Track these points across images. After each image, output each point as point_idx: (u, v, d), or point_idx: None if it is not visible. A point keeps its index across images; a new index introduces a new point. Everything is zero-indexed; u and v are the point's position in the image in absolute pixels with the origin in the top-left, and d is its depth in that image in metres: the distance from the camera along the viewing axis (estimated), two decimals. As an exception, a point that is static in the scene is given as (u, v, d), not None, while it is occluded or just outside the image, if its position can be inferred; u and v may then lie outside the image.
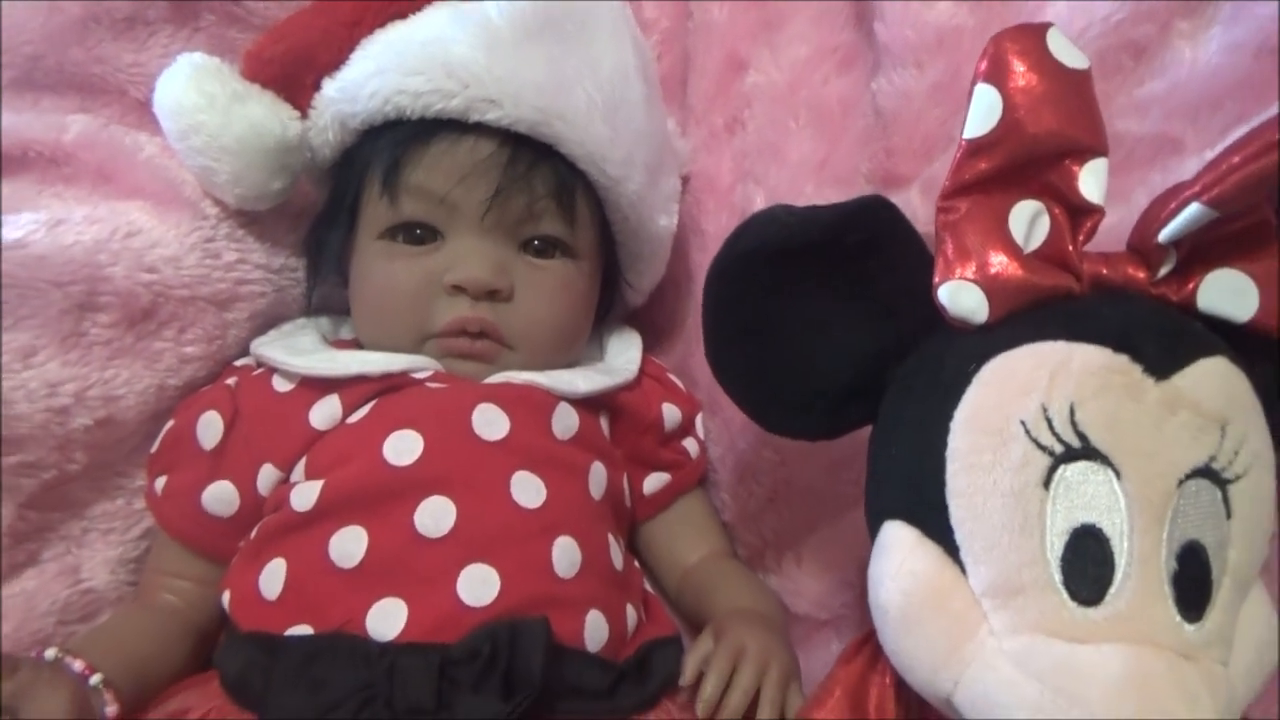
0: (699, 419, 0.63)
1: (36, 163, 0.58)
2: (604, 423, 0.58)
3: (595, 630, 0.49)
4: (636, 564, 0.59)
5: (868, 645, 0.42)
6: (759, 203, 0.61)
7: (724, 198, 0.64)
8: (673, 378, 0.63)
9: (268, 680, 0.46)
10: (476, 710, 0.43)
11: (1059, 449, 0.34)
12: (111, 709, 0.45)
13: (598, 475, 0.54)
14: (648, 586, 0.59)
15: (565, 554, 0.50)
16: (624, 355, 0.61)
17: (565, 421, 0.54)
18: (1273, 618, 0.37)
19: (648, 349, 0.64)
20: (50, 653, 0.46)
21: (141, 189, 0.57)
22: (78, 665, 0.46)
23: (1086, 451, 0.34)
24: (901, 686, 0.40)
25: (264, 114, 0.54)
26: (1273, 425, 0.37)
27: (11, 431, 0.50)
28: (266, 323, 0.59)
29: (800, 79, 0.61)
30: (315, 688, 0.44)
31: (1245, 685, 0.35)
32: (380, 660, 0.45)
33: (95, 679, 0.46)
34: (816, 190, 0.59)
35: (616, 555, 0.54)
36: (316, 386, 0.53)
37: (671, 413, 0.61)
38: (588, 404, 0.56)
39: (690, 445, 0.62)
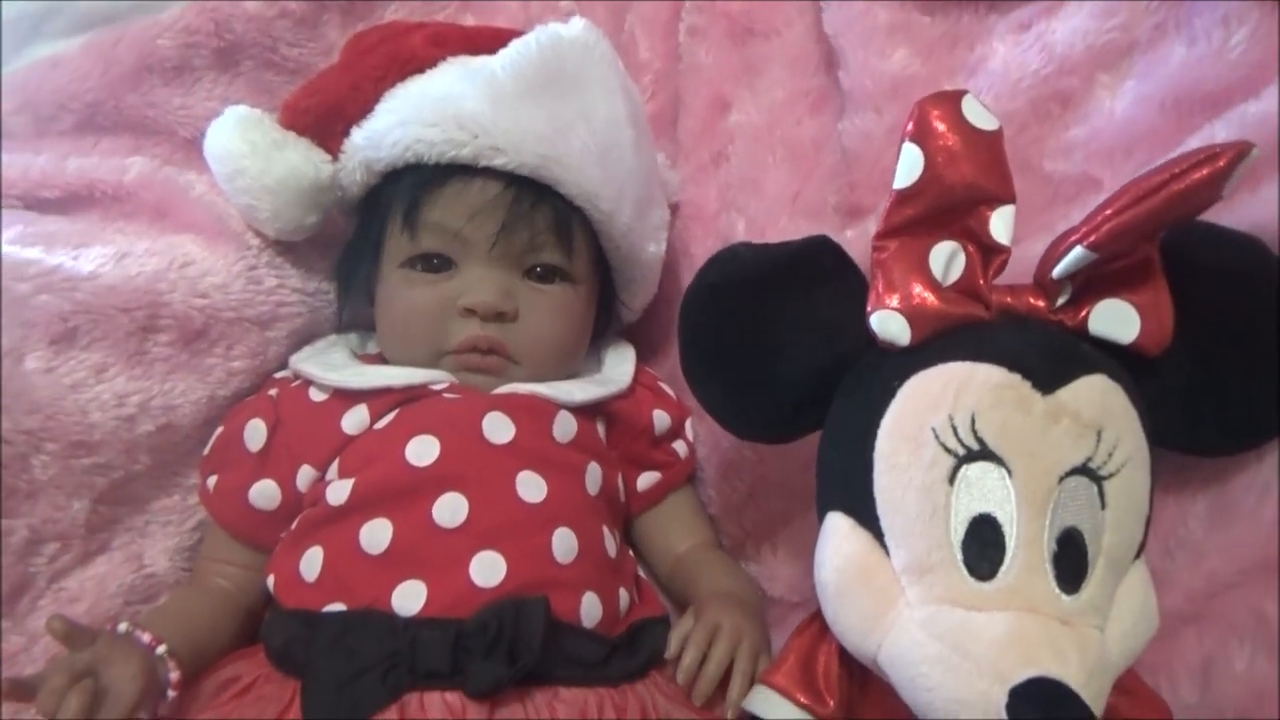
0: (688, 423, 0.69)
1: (101, 201, 0.66)
2: (600, 427, 0.65)
3: (590, 609, 0.56)
4: (631, 553, 0.66)
5: (817, 620, 0.49)
6: (740, 230, 0.67)
7: (710, 224, 0.71)
8: (664, 386, 0.70)
9: (308, 650, 0.52)
10: (486, 674, 0.50)
11: (962, 451, 0.41)
12: (175, 675, 0.51)
13: (594, 474, 0.61)
14: (641, 573, 0.66)
15: (563, 542, 0.56)
16: (619, 367, 0.68)
17: (565, 427, 0.61)
18: (1150, 594, 0.43)
19: (642, 360, 0.70)
20: (122, 626, 0.52)
21: (193, 223, 0.64)
22: (146, 637, 0.52)
23: (984, 453, 0.41)
24: (845, 653, 0.47)
25: (300, 159, 0.62)
26: (1148, 430, 0.43)
27: (87, 437, 0.58)
28: (303, 339, 0.66)
29: (777, 119, 0.68)
30: (349, 655, 0.51)
31: (1121, 647, 0.41)
32: (404, 633, 0.52)
33: (161, 649, 0.51)
34: (790, 221, 0.66)
35: (610, 544, 0.60)
36: (347, 397, 0.60)
37: (662, 418, 0.67)
38: (586, 411, 0.63)
39: (679, 447, 0.68)
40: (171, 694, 0.52)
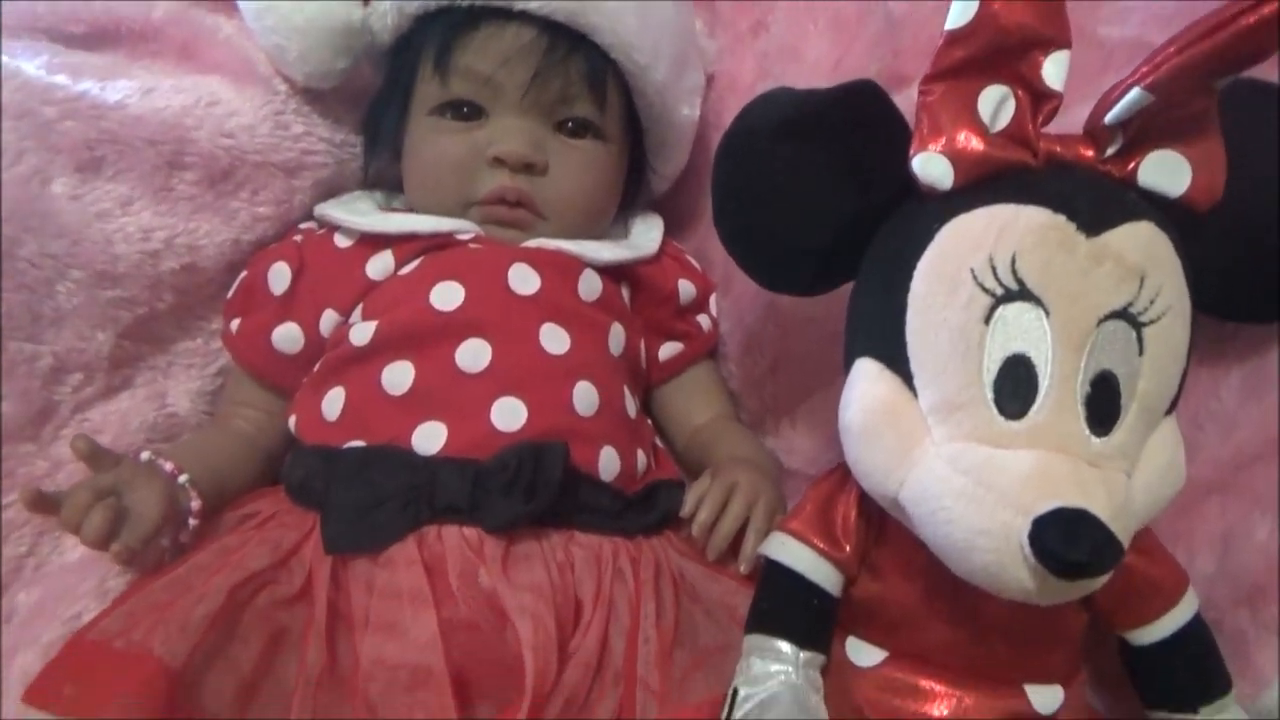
0: (713, 298, 0.69)
1: (127, 38, 0.64)
2: (625, 292, 0.64)
3: (608, 463, 0.56)
4: (650, 422, 0.66)
5: (838, 471, 0.49)
6: (777, 99, 0.66)
7: (745, 96, 0.67)
8: (690, 258, 0.69)
9: (327, 483, 0.53)
10: (504, 509, 0.51)
11: (1000, 291, 0.40)
12: (196, 504, 0.52)
13: (617, 335, 0.61)
14: (658, 442, 0.66)
15: (585, 395, 0.56)
16: (647, 235, 0.67)
17: (590, 285, 0.61)
18: (1179, 449, 0.43)
19: (670, 234, 0.69)
20: (145, 454, 0.53)
21: (220, 65, 0.63)
22: (168, 466, 0.52)
23: (1023, 294, 0.40)
24: (863, 499, 0.47)
25: (331, -2, 0.61)
26: (1191, 285, 0.42)
27: (112, 268, 0.57)
28: (328, 192, 0.66)
29: (822, -14, 0.66)
30: (369, 486, 0.51)
31: (1145, 497, 0.41)
32: (424, 469, 0.52)
33: (183, 478, 0.52)
34: None
35: (630, 405, 0.60)
36: (372, 243, 0.60)
37: (687, 288, 0.67)
38: (611, 273, 0.63)
39: (703, 320, 0.68)
40: (192, 523, 0.53)
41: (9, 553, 0.55)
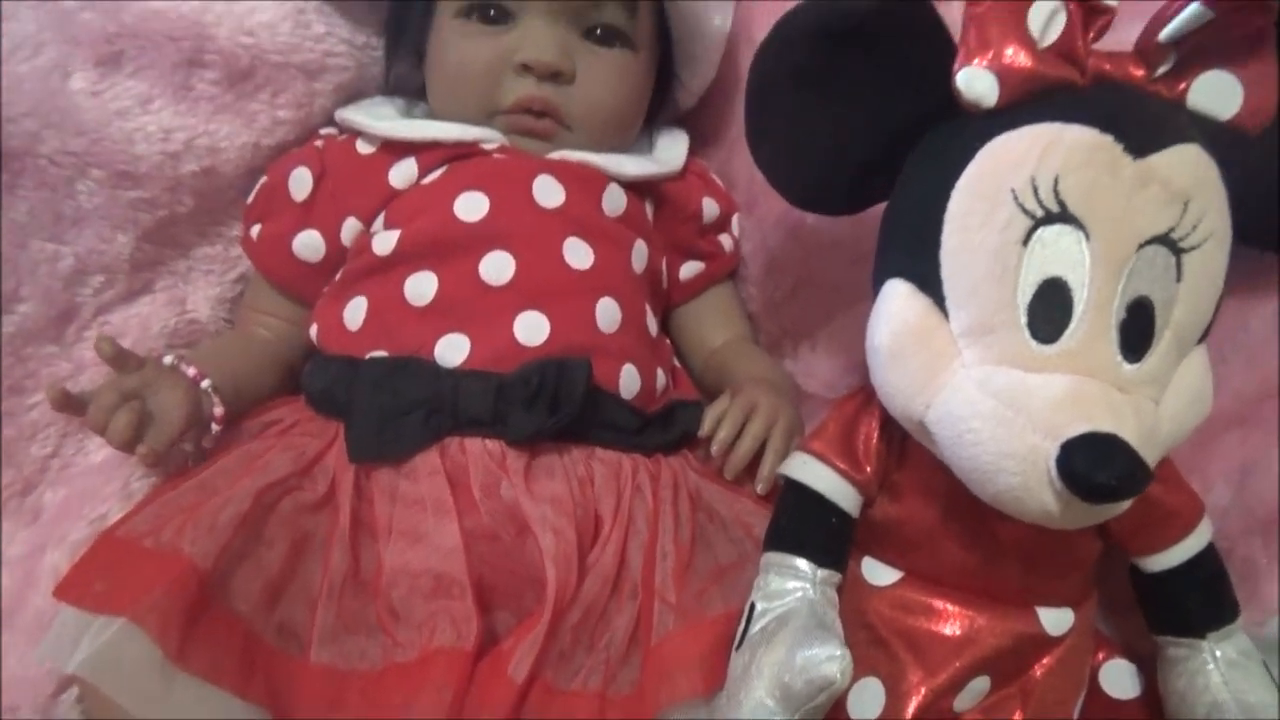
0: (735, 218, 0.68)
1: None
2: (649, 208, 0.64)
3: (629, 380, 0.56)
4: (668, 341, 0.66)
5: (861, 392, 0.49)
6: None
7: (779, 6, 0.67)
8: (714, 177, 0.68)
9: (350, 392, 0.53)
10: (526, 422, 0.51)
11: (1040, 213, 0.40)
12: (219, 409, 0.53)
13: (640, 252, 0.60)
14: (676, 362, 0.66)
15: (607, 312, 0.56)
16: (672, 150, 0.66)
17: (614, 200, 0.60)
18: (1207, 378, 0.43)
19: (695, 152, 0.68)
20: (168, 359, 0.53)
21: (240, -42, 0.62)
22: (191, 371, 0.53)
23: (1063, 216, 0.39)
24: (886, 422, 0.47)
25: (356, -109, 0.59)
26: (1234, 212, 0.42)
27: (132, 168, 0.57)
28: (349, 96, 0.64)
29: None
30: (393, 395, 0.52)
31: (1172, 425, 0.41)
32: (447, 380, 0.52)
33: (206, 383, 0.53)
34: None
35: (651, 324, 0.60)
36: (395, 150, 0.59)
37: (710, 206, 0.66)
38: (636, 189, 0.62)
39: (725, 240, 0.67)
40: (215, 428, 0.53)
41: (35, 453, 0.56)
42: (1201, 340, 0.43)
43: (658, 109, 0.68)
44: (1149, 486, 0.40)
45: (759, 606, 0.45)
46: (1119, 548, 0.49)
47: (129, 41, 0.56)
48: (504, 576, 0.49)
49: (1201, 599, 0.48)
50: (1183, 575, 0.48)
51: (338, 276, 0.59)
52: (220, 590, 0.45)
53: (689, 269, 0.67)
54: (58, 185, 0.55)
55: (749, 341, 0.68)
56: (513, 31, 0.58)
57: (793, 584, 0.46)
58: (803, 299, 0.66)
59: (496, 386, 0.52)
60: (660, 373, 0.60)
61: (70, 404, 0.49)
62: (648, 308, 0.60)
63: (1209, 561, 0.48)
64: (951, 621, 0.46)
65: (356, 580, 0.49)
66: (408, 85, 0.67)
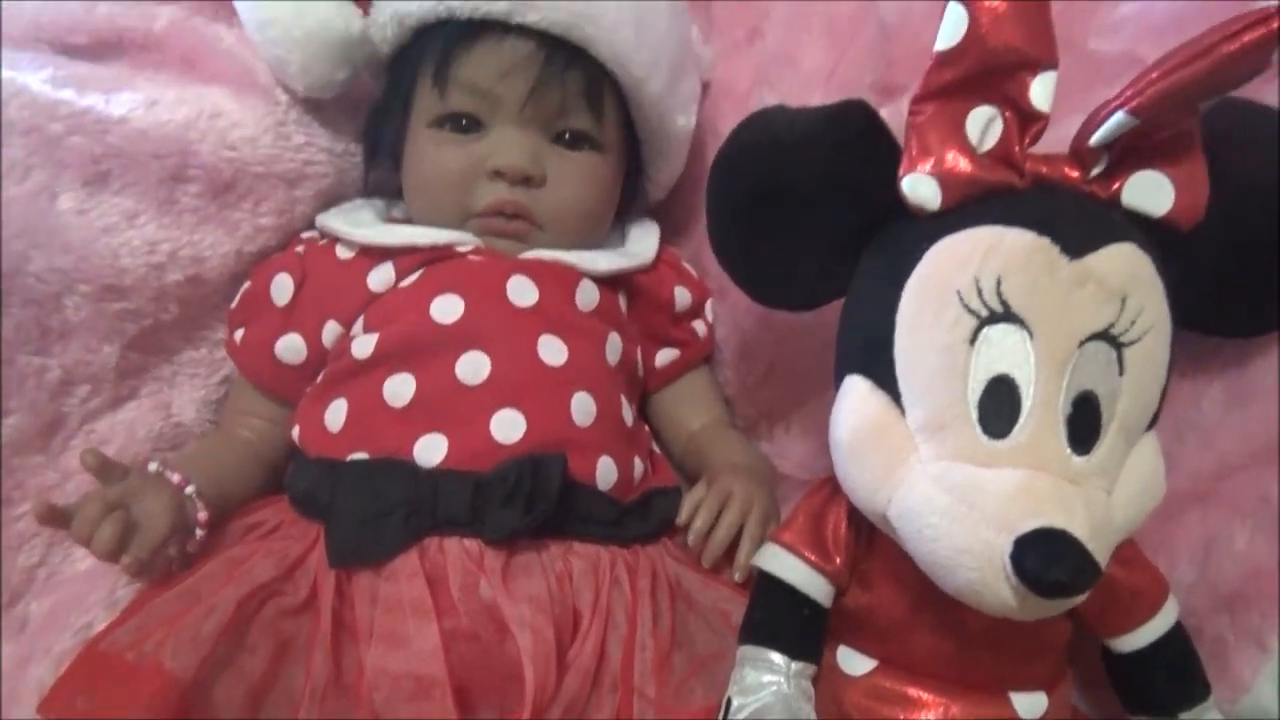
0: (708, 304, 0.70)
1: (130, 49, 0.64)
2: (622, 300, 0.65)
3: (605, 472, 0.57)
4: (647, 428, 0.67)
5: (829, 483, 0.50)
6: (773, 107, 0.67)
7: (741, 103, 0.70)
8: (686, 265, 0.70)
9: (331, 495, 0.54)
10: (503, 521, 0.52)
11: (985, 313, 0.41)
12: (203, 514, 0.53)
13: (614, 344, 0.62)
14: (655, 448, 0.67)
15: (582, 406, 0.57)
16: (643, 242, 0.68)
17: (587, 295, 0.62)
18: (1159, 464, 0.44)
19: (667, 240, 0.70)
20: (153, 465, 0.54)
21: (222, 75, 0.64)
22: (175, 477, 0.53)
23: (1007, 316, 0.41)
24: (853, 515, 0.48)
25: (331, 11, 0.61)
26: (1172, 304, 0.43)
27: (118, 281, 0.58)
28: (329, 201, 0.66)
29: (815, -6, 0.66)
30: (372, 497, 0.52)
31: (1125, 513, 0.42)
32: (426, 481, 0.53)
33: (190, 489, 0.53)
34: (824, 98, 0.62)
35: (627, 414, 0.61)
36: (374, 255, 0.61)
37: (683, 295, 0.67)
38: (608, 282, 0.63)
39: (699, 326, 0.69)
40: (199, 533, 0.54)
41: (22, 563, 0.57)
42: (1151, 427, 0.45)
43: (629, 202, 0.70)
44: (1113, 569, 0.41)
45: (735, 702, 0.46)
46: (1088, 630, 0.50)
47: (115, 161, 0.58)
48: (485, 676, 0.50)
49: (1171, 679, 0.49)
50: (1151, 656, 0.49)
51: (319, 378, 0.60)
52: (202, 700, 0.46)
53: (664, 356, 0.68)
54: (45, 301, 0.57)
55: (726, 425, 0.69)
56: (484, 139, 0.61)
57: (768, 678, 0.46)
58: (775, 383, 0.67)
59: (474, 485, 0.53)
60: (637, 461, 0.61)
61: (55, 518, 0.50)
62: (623, 398, 0.61)
63: (1177, 641, 0.49)
64: (926, 710, 0.47)
65: (339, 684, 0.49)
66: (387, 187, 0.69)
